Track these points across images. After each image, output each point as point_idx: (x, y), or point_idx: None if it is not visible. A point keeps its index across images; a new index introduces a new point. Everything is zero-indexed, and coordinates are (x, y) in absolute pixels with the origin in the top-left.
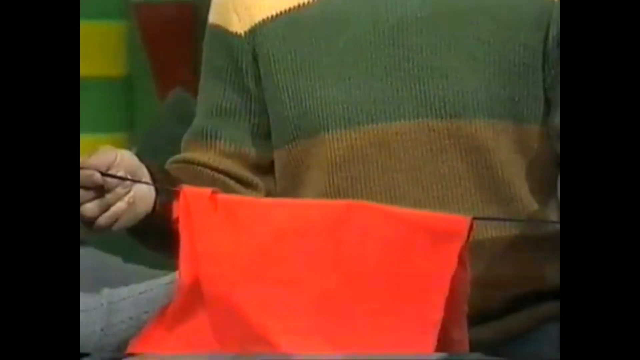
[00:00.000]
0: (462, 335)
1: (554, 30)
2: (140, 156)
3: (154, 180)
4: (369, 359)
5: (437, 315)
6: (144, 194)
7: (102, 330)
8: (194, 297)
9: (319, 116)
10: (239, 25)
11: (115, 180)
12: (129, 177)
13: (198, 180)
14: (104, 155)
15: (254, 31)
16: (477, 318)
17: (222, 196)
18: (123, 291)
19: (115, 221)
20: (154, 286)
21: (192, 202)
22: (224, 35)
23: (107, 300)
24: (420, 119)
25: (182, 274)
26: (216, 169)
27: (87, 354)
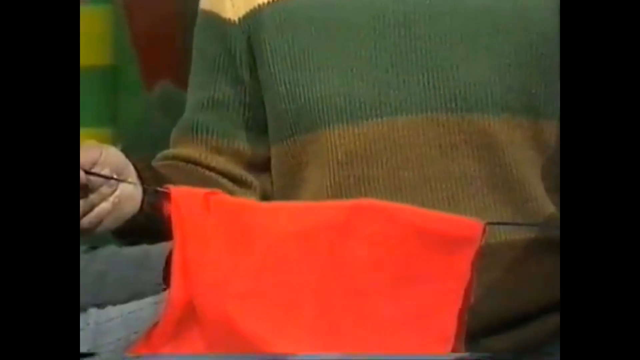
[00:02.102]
0: (459, 345)
1: None
2: (126, 153)
3: (141, 179)
4: (369, 359)
5: (449, 331)
6: (130, 194)
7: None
8: (186, 312)
9: (318, 110)
10: (232, 11)
11: (99, 179)
12: (115, 175)
13: (188, 179)
14: (88, 151)
15: (249, 17)
16: (490, 328)
17: (216, 198)
18: (111, 311)
19: (100, 222)
20: (144, 305)
21: (184, 204)
22: (216, 21)
23: (94, 320)
24: (428, 113)
25: (173, 286)
26: (207, 167)
27: (88, 354)
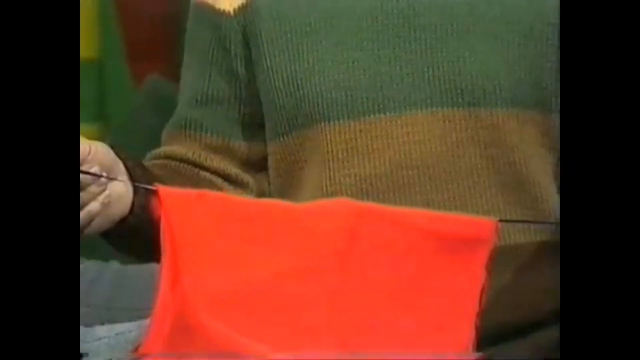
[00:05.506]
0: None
1: None
2: (115, 150)
3: (132, 178)
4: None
5: (467, 339)
6: (120, 194)
7: None
8: (174, 328)
9: (317, 104)
10: (227, 2)
11: (88, 178)
12: (104, 173)
13: (180, 178)
14: None
15: (244, 8)
16: (499, 335)
17: (209, 200)
18: (99, 330)
19: (89, 223)
20: (134, 328)
21: (173, 206)
22: (210, 12)
23: (80, 339)
24: (433, 108)
25: (159, 298)
26: (201, 166)
27: (86, 354)
